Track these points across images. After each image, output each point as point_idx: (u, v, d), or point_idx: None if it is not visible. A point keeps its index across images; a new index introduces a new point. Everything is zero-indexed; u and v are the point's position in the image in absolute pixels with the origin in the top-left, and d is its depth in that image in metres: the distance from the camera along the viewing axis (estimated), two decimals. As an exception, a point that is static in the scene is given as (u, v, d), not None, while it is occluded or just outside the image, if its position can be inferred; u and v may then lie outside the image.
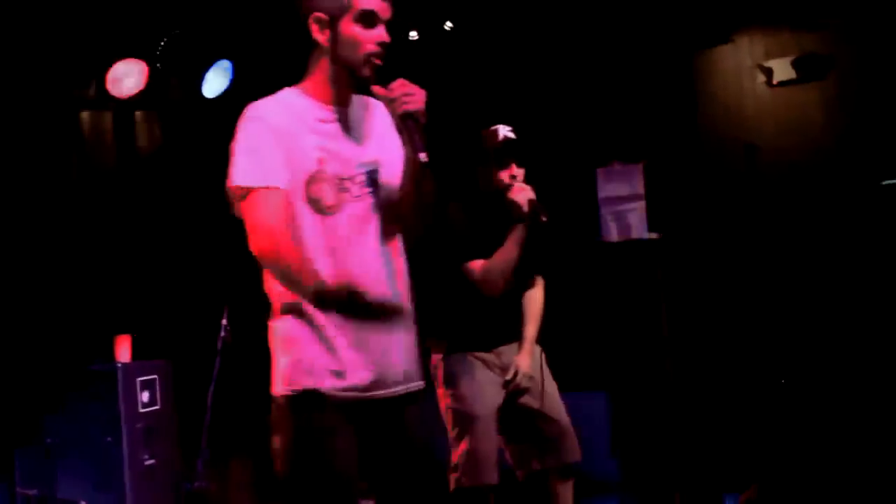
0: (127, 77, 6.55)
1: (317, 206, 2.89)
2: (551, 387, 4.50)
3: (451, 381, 4.45)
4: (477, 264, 4.30)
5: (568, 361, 4.79)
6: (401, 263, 3.05)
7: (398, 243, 3.05)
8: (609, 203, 5.72)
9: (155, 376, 6.01)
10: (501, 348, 4.48)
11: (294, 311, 2.91)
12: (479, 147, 4.45)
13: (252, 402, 6.89)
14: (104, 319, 6.69)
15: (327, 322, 2.88)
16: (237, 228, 6.92)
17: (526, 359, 4.50)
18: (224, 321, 6.34)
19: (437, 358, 4.51)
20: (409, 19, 6.95)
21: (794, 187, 6.21)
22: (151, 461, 5.91)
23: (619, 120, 6.47)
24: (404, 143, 2.93)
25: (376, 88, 2.91)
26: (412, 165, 2.92)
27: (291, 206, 2.87)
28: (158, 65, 6.61)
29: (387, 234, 2.99)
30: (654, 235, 5.84)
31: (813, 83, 6.27)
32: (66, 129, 6.84)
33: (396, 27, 7.10)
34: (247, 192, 2.86)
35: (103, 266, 7.01)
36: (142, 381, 5.93)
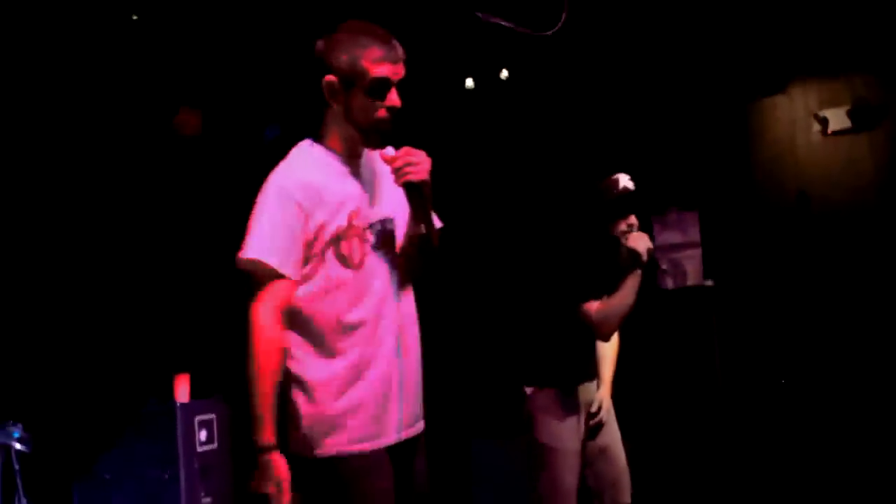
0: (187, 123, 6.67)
1: (345, 261, 2.92)
2: (616, 427, 4.60)
3: (540, 416, 4.55)
4: (593, 306, 4.33)
5: (621, 408, 4.82)
6: (412, 310, 3.11)
7: (411, 291, 3.11)
8: (665, 251, 5.76)
9: (213, 415, 6.08)
10: (580, 387, 4.56)
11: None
12: (597, 197, 4.53)
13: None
14: (162, 356, 6.77)
15: None
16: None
17: (607, 395, 4.61)
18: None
19: (529, 392, 4.61)
20: (466, 68, 7.04)
21: (847, 236, 6.21)
22: (208, 499, 5.96)
23: (675, 168, 6.50)
24: (410, 205, 3.00)
25: (382, 154, 2.95)
26: (414, 232, 3.01)
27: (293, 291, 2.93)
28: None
29: (402, 283, 3.05)
30: (709, 283, 5.87)
31: (867, 133, 6.28)
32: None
33: (453, 76, 7.21)
34: (260, 267, 2.90)
35: (163, 302, 7.10)
36: (200, 420, 6.01)
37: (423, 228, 2.97)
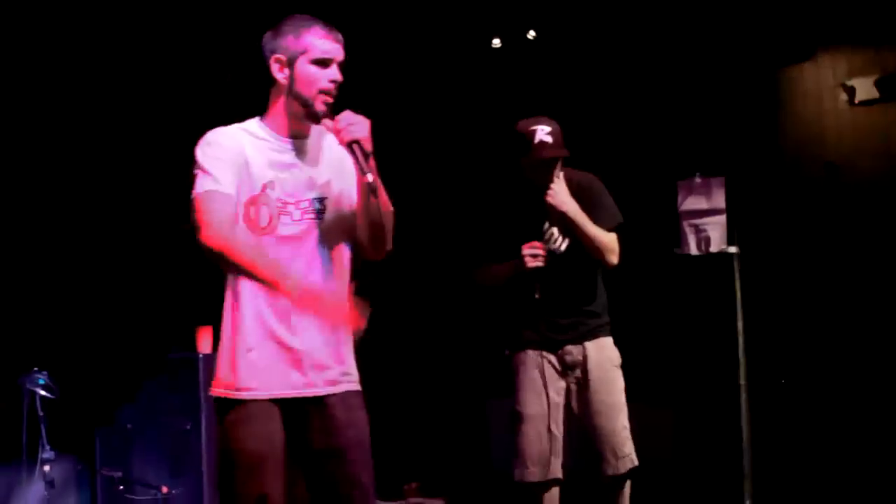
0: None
1: (251, 225, 3.14)
2: (610, 383, 4.59)
3: (511, 380, 4.60)
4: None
5: (638, 374, 4.84)
6: (340, 286, 3.23)
7: (339, 267, 3.24)
8: (689, 216, 5.77)
9: (234, 367, 6.11)
10: (568, 348, 4.57)
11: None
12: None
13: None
14: (186, 309, 6.83)
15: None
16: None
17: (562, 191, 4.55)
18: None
19: (507, 354, 4.67)
20: (494, 27, 7.03)
21: (874, 205, 6.20)
22: (228, 449, 6.02)
23: (702, 134, 6.49)
24: (356, 172, 3.15)
25: (325, 121, 3.15)
26: (360, 188, 3.17)
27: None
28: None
29: (327, 257, 3.21)
30: (732, 249, 5.87)
31: (893, 103, 6.26)
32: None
33: (480, 35, 7.20)
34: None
35: (187, 256, 7.15)
36: (222, 372, 6.04)
37: (364, 186, 3.11)
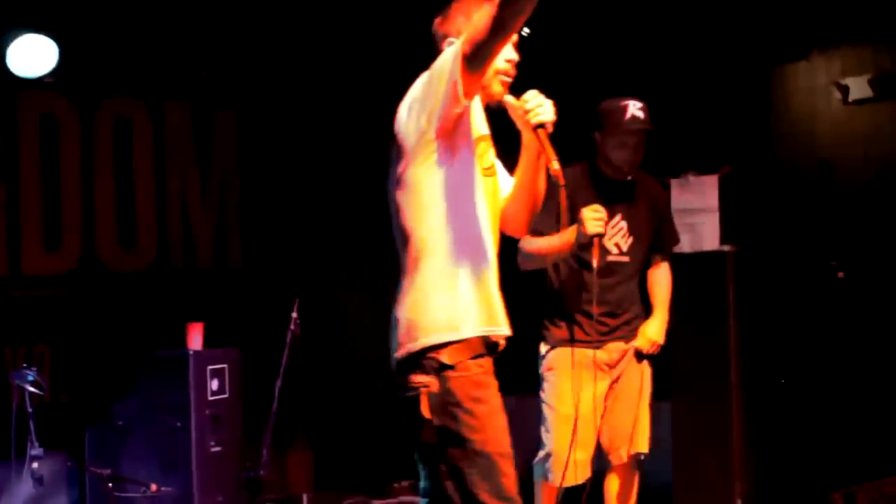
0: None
1: (479, 160, 3.15)
2: (639, 378, 4.66)
3: (545, 375, 4.56)
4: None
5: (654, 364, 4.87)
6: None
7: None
8: (682, 214, 5.75)
9: (225, 365, 6.11)
10: (610, 345, 4.53)
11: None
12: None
13: (316, 395, 7.02)
14: (176, 306, 6.81)
15: None
16: (310, 223, 7.02)
17: (654, 326, 4.65)
18: (294, 314, 6.43)
19: (541, 351, 4.61)
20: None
21: (867, 205, 6.20)
22: (218, 448, 6.01)
23: (695, 131, 6.48)
24: (530, 153, 3.17)
25: (507, 98, 3.13)
26: (536, 171, 3.19)
27: None
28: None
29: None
30: (726, 248, 5.86)
31: (888, 102, 6.26)
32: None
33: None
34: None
35: (177, 253, 7.13)
36: (212, 370, 6.03)
37: (543, 170, 3.16)
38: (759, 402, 6.04)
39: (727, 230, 5.89)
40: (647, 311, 4.88)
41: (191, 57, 7.07)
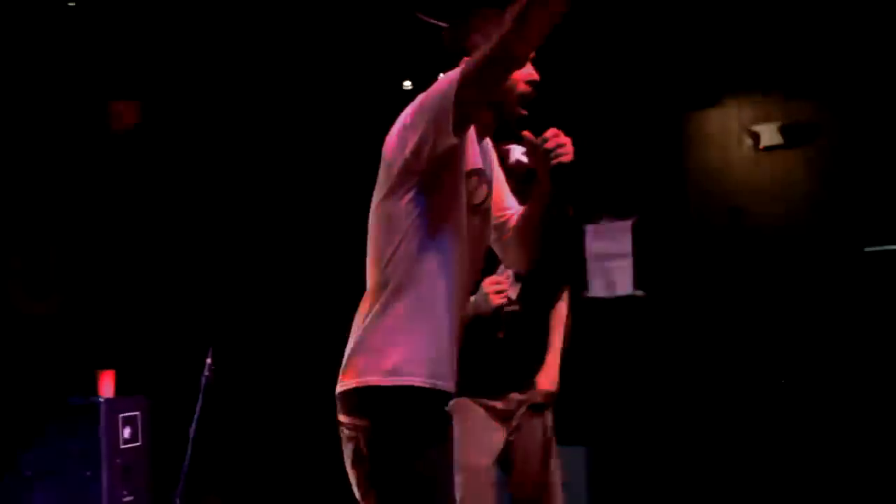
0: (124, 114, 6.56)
1: (470, 196, 2.91)
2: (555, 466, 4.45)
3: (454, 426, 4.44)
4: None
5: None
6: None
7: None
8: (597, 259, 5.79)
9: (137, 412, 6.02)
10: (513, 395, 4.44)
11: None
12: None
13: (231, 443, 6.92)
14: (86, 353, 6.69)
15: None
16: (224, 270, 6.93)
17: (546, 376, 4.44)
18: (208, 360, 6.34)
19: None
20: (405, 70, 7.04)
21: (778, 251, 6.28)
22: (129, 497, 5.90)
23: (609, 177, 6.53)
24: (543, 192, 2.97)
25: (527, 134, 2.94)
26: (545, 214, 2.99)
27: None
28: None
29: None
30: (639, 293, 5.91)
31: (798, 149, 6.37)
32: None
33: (392, 77, 7.20)
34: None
35: (88, 299, 7.02)
36: (124, 417, 5.94)
37: (553, 214, 2.98)
38: (675, 443, 6.08)
39: (640, 275, 5.94)
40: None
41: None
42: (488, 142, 3.14)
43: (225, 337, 6.76)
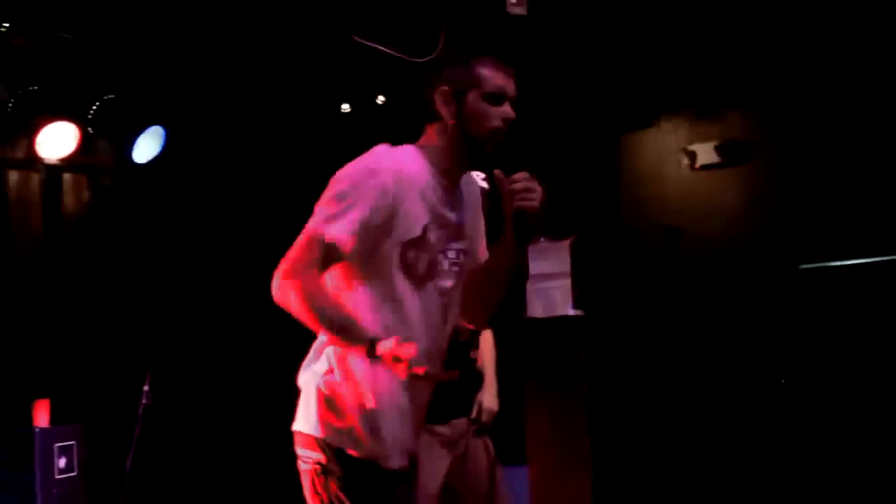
0: (58, 139, 6.49)
1: (410, 272, 2.82)
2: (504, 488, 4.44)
3: None
4: None
5: (492, 434, 4.80)
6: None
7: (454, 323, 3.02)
8: (535, 280, 5.79)
9: (73, 442, 5.91)
10: (455, 421, 4.42)
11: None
12: None
13: (170, 469, 6.84)
14: (19, 382, 6.58)
15: None
16: (161, 293, 6.84)
17: (489, 396, 4.44)
18: (146, 387, 6.27)
19: None
20: (343, 92, 7.02)
21: (715, 269, 6.33)
22: (65, 528, 5.80)
23: (546, 197, 6.53)
24: (508, 235, 2.88)
25: (498, 173, 2.85)
26: (509, 257, 2.90)
27: (348, 269, 2.79)
28: (90, 128, 6.57)
29: (454, 315, 2.98)
30: (578, 312, 5.92)
31: (734, 168, 6.42)
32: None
33: (330, 100, 7.17)
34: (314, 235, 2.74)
35: (21, 328, 6.91)
36: (59, 447, 5.83)
37: (511, 257, 2.89)
38: (613, 462, 6.09)
39: (579, 295, 5.96)
40: None
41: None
42: (471, 181, 3.06)
43: (163, 362, 6.69)
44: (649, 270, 6.46)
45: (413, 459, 2.96)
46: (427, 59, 6.04)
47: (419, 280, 2.84)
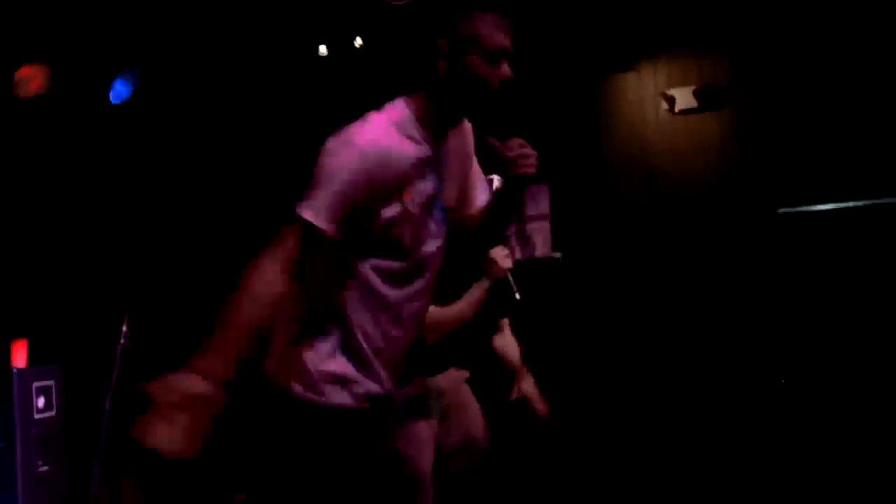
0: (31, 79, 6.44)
1: (397, 247, 2.80)
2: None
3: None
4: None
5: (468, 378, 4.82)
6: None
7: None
8: (514, 222, 5.80)
9: (51, 382, 5.93)
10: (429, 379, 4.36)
11: None
12: None
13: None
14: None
15: None
16: (139, 234, 6.81)
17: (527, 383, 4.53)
18: (124, 328, 6.26)
19: None
20: (320, 35, 6.97)
21: (693, 213, 6.35)
22: (45, 468, 5.83)
23: (526, 141, 6.53)
24: (501, 196, 2.99)
25: (490, 139, 2.89)
26: (499, 216, 3.03)
27: (329, 252, 2.75)
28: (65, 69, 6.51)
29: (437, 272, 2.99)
30: (557, 255, 5.94)
31: (713, 112, 6.43)
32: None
33: (307, 43, 7.12)
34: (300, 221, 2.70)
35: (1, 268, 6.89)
36: (38, 387, 5.84)
37: (506, 219, 3.06)
38: (595, 408, 6.14)
39: (558, 237, 5.97)
40: None
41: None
42: (465, 132, 3.08)
43: (141, 304, 6.68)
44: (628, 213, 6.47)
45: None
46: (405, 1, 6.00)
47: (405, 251, 2.83)
